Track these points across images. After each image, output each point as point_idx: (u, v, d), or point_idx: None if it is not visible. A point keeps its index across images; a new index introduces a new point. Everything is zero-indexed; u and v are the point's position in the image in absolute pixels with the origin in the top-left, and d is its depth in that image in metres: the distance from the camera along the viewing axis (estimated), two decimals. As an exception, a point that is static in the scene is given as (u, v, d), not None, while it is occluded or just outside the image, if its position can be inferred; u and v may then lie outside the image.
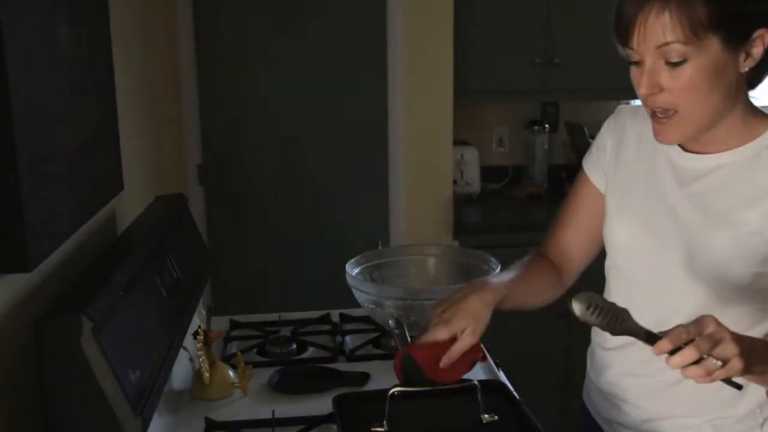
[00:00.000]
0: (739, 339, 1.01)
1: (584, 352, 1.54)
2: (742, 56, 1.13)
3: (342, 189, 3.07)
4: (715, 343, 0.99)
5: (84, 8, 1.42)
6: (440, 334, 1.27)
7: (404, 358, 1.29)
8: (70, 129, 1.31)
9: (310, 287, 2.95)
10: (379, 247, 1.93)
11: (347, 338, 1.85)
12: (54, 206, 1.21)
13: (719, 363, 0.99)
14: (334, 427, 1.38)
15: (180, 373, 1.59)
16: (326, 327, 1.93)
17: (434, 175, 3.06)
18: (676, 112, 1.15)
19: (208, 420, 1.45)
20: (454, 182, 3.15)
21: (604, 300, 1.08)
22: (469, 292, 1.31)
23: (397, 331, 1.50)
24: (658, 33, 1.10)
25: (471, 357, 1.33)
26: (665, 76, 1.13)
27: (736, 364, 0.99)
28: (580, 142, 3.16)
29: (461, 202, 3.16)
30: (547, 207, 3.23)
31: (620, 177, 1.37)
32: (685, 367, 1.00)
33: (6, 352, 1.15)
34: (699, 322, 1.01)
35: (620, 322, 1.08)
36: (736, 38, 1.11)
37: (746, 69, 1.14)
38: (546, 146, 3.38)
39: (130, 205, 1.84)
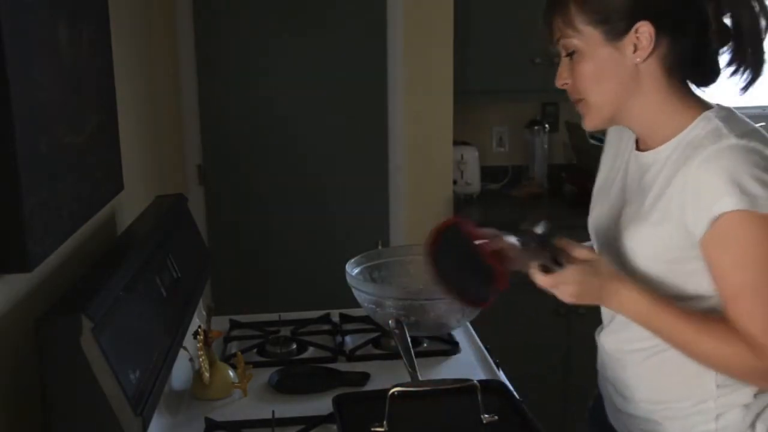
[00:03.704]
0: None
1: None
2: (630, 48, 1.19)
3: (342, 189, 3.07)
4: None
5: (84, 8, 1.42)
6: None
7: (451, 225, 1.36)
8: (70, 129, 1.31)
9: (310, 287, 2.95)
10: (379, 247, 1.94)
11: (347, 338, 1.85)
12: (54, 206, 1.21)
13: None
14: (334, 427, 1.38)
15: (180, 373, 1.59)
16: (326, 327, 1.93)
17: (434, 175, 3.06)
18: (582, 99, 1.25)
19: (208, 420, 1.45)
20: (454, 182, 3.14)
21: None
22: None
23: (397, 331, 1.50)
24: (555, 30, 1.24)
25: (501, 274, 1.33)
26: (568, 68, 1.25)
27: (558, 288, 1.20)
28: (580, 142, 3.16)
29: (461, 202, 3.16)
30: (547, 207, 3.23)
31: (602, 175, 1.42)
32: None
33: (6, 352, 1.15)
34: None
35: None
36: (615, 32, 1.19)
37: (639, 60, 1.20)
38: (546, 146, 3.38)
39: (130, 205, 1.84)
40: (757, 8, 1.18)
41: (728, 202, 1.11)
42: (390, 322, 1.55)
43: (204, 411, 1.49)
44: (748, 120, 1.22)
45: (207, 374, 1.54)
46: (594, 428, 1.50)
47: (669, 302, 1.19)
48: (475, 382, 1.34)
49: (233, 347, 1.82)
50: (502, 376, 1.63)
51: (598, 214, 1.39)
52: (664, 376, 1.28)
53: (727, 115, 1.21)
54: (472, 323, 1.86)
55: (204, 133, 2.98)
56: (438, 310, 1.69)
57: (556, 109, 3.45)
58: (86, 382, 1.11)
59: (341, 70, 2.98)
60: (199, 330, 1.54)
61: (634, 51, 1.19)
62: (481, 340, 1.82)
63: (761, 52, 1.20)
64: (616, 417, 1.42)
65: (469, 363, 1.71)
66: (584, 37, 1.20)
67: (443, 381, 1.47)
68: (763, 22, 1.18)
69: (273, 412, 1.46)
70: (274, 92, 2.98)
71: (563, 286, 1.20)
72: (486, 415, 1.32)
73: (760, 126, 1.22)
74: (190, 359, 1.62)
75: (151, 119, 2.30)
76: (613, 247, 1.30)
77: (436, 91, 2.99)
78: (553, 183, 3.36)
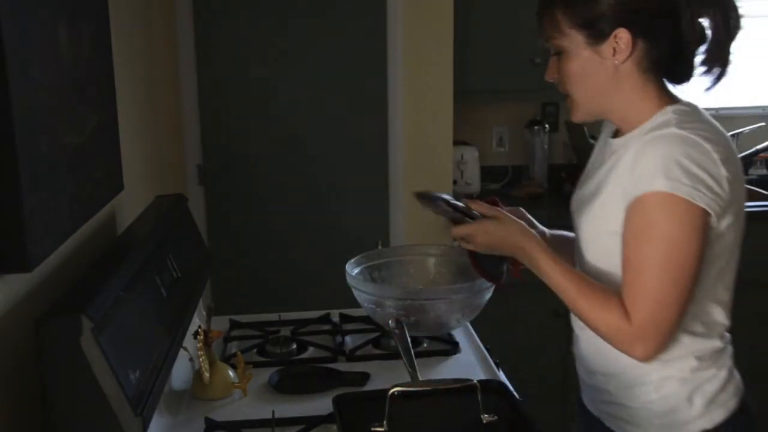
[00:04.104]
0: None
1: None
2: (609, 51, 1.29)
3: (342, 189, 3.07)
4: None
5: (84, 8, 1.42)
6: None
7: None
8: (70, 129, 1.31)
9: (310, 287, 2.95)
10: (379, 247, 1.93)
11: (347, 338, 1.85)
12: (54, 206, 1.21)
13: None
14: (334, 427, 1.38)
15: (180, 373, 1.59)
16: (326, 327, 1.93)
17: (434, 175, 3.05)
18: (569, 95, 1.37)
19: (208, 420, 1.45)
20: (454, 182, 3.14)
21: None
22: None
23: (397, 331, 1.50)
24: (544, 30, 1.35)
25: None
26: (556, 65, 1.36)
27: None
28: (580, 142, 3.16)
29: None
30: (547, 207, 3.22)
31: (588, 162, 1.50)
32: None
33: (6, 352, 1.15)
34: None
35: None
36: (596, 37, 1.29)
37: (618, 62, 1.30)
38: (546, 146, 3.38)
39: (130, 205, 1.84)
40: (730, 12, 1.27)
41: (654, 183, 1.22)
42: (390, 322, 1.55)
43: (204, 411, 1.50)
44: (709, 119, 1.31)
45: (207, 374, 1.54)
46: (579, 410, 1.55)
47: (562, 264, 1.34)
48: (475, 382, 1.34)
49: (233, 347, 1.82)
50: (502, 376, 1.63)
51: (575, 196, 1.47)
52: (611, 349, 1.34)
53: (687, 110, 1.30)
54: (472, 323, 1.86)
55: (204, 133, 2.98)
56: (438, 310, 1.69)
57: (556, 109, 3.45)
58: (86, 382, 1.11)
59: (341, 70, 2.98)
60: (199, 330, 1.54)
61: (613, 54, 1.29)
62: (481, 340, 1.82)
63: (729, 52, 1.29)
64: (586, 394, 1.50)
65: (469, 363, 1.71)
66: (569, 39, 1.31)
67: (443, 381, 1.47)
68: (733, 24, 1.27)
69: (273, 412, 1.46)
70: (274, 92, 2.98)
71: (472, 237, 1.42)
72: (486, 415, 1.32)
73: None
74: (190, 359, 1.62)
75: (151, 119, 2.30)
76: (576, 225, 1.43)
77: (436, 91, 2.99)
78: (553, 183, 3.36)
